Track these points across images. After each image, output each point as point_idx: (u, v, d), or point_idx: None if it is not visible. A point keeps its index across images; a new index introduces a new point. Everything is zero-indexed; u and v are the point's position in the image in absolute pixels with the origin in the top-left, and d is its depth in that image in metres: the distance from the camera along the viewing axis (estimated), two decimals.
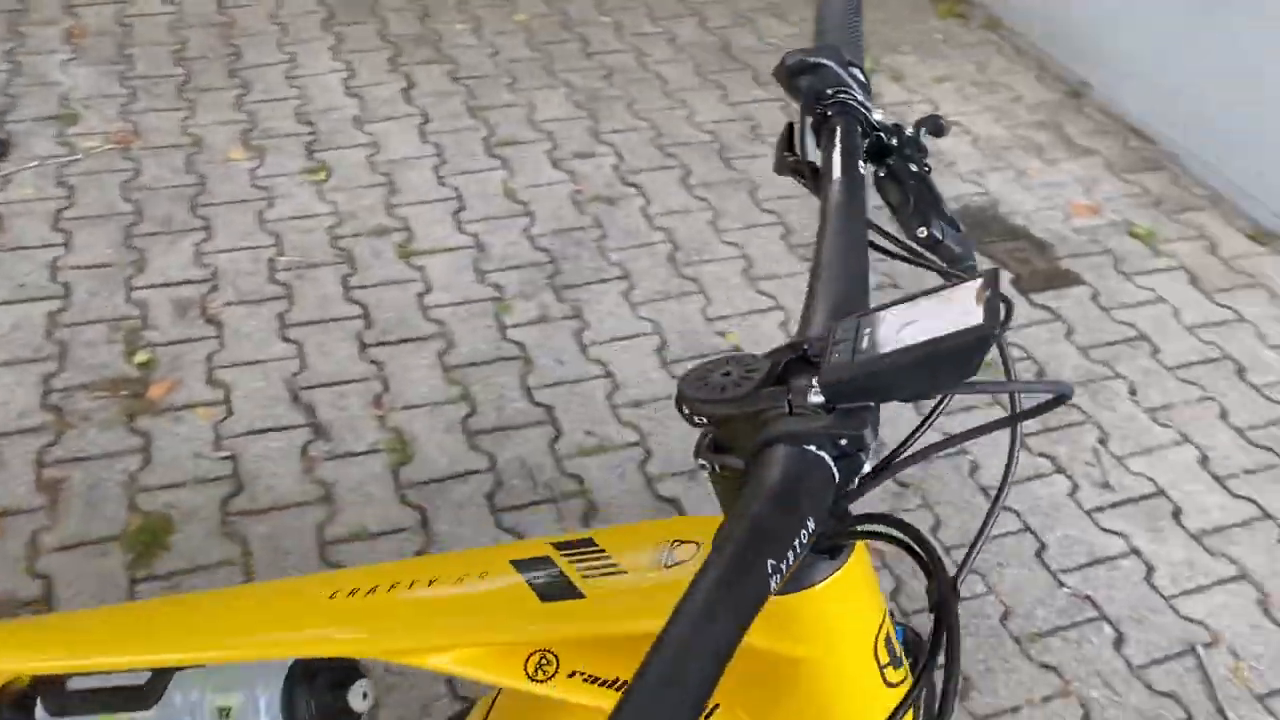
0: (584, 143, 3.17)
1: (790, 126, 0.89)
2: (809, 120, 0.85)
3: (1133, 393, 2.49)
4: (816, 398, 0.55)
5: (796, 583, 0.64)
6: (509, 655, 0.67)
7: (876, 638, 0.66)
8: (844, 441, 0.54)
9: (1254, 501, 2.23)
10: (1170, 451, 2.33)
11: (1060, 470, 2.27)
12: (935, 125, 0.84)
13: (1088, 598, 2.01)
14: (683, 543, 0.71)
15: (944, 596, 0.50)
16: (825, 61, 0.86)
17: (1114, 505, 2.20)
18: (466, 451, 2.20)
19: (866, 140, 0.83)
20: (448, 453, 2.19)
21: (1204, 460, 2.32)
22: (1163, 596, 2.03)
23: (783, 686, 0.68)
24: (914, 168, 0.82)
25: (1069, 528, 2.14)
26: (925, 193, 0.80)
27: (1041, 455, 2.30)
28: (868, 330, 0.56)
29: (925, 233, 0.78)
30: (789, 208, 2.98)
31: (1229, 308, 2.78)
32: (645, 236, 2.84)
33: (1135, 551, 2.11)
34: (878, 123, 0.84)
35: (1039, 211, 3.08)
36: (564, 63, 3.56)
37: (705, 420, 0.59)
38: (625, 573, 0.71)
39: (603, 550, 0.73)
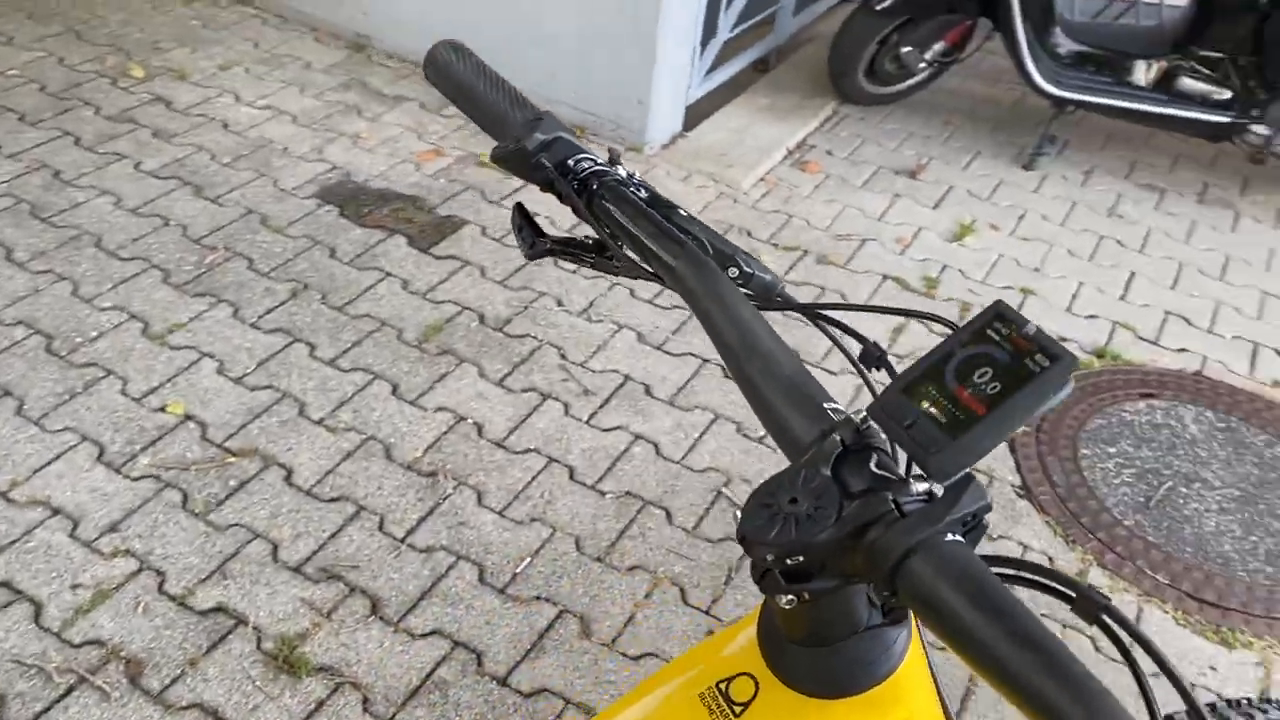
0: None
1: (520, 207, 0.82)
2: (568, 195, 0.80)
3: (560, 303, 2.69)
4: (922, 486, 0.54)
5: (888, 665, 0.62)
6: None
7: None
8: (971, 516, 0.53)
9: (694, 354, 2.58)
10: (616, 340, 2.59)
11: (547, 396, 2.40)
12: (615, 157, 0.83)
13: (627, 493, 2.20)
14: (727, 682, 0.64)
15: (1107, 606, 0.51)
16: (561, 133, 0.80)
17: (603, 405, 2.40)
18: None
19: None
20: None
21: (640, 338, 2.62)
22: (675, 462, 2.28)
23: None
24: (684, 211, 0.79)
25: (583, 442, 2.30)
26: (711, 233, 0.77)
27: (526, 391, 2.41)
28: (927, 405, 0.55)
29: (736, 272, 0.76)
30: (150, 248, 2.66)
31: None
32: (2, 338, 2.34)
33: (638, 437, 2.33)
34: (622, 178, 0.80)
35: (393, 169, 3.11)
36: None
37: (794, 558, 0.54)
38: None
39: None
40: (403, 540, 2.04)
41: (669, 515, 2.16)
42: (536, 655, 1.87)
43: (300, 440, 2.21)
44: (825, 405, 0.62)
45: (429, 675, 1.82)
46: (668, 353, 2.58)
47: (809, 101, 3.80)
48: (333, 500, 2.10)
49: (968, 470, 0.54)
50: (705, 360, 2.56)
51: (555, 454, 2.27)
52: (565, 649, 1.89)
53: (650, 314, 2.69)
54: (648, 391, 2.45)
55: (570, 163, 0.82)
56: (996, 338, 0.56)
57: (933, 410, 0.55)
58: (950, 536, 0.53)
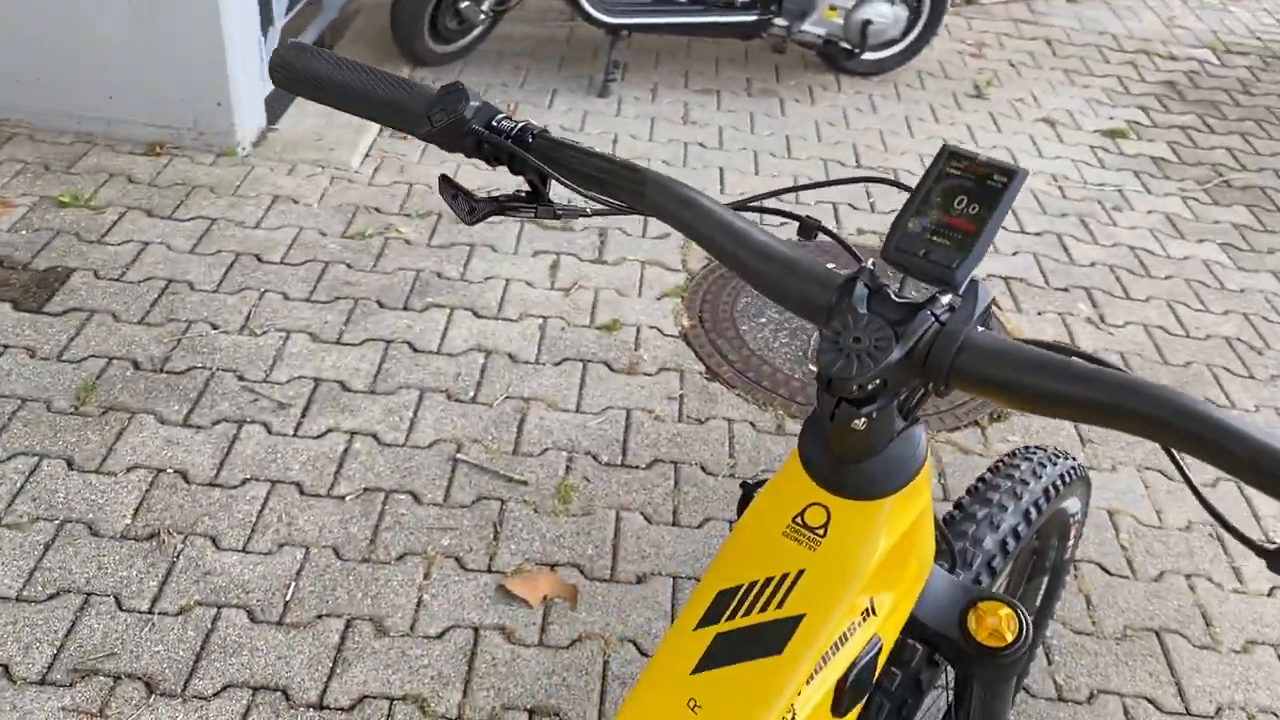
0: None
1: (446, 179, 0.83)
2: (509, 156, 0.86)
3: (215, 326, 2.53)
4: (946, 298, 0.65)
5: (919, 458, 0.73)
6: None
7: None
8: (984, 311, 0.66)
9: (375, 339, 2.56)
10: (289, 346, 2.50)
11: (242, 422, 2.28)
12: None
13: (365, 489, 2.17)
14: (800, 515, 0.71)
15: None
16: (481, 100, 0.82)
17: (304, 414, 2.32)
18: None
19: None
20: None
21: (313, 337, 2.54)
22: (400, 446, 2.28)
23: (912, 546, 0.77)
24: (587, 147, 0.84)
25: (299, 456, 2.22)
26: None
27: (217, 423, 2.27)
28: (930, 236, 0.66)
29: None
30: None
31: (204, 217, 2.91)
32: None
33: (353, 433, 2.29)
34: (543, 129, 0.87)
35: None
36: None
37: (873, 383, 0.65)
38: (803, 571, 0.69)
39: (756, 580, 0.69)
40: (151, 611, 1.89)
41: (415, 497, 2.16)
42: (342, 670, 1.83)
43: None
44: (828, 267, 0.73)
45: None
46: (348, 344, 2.53)
47: None
48: (51, 597, 1.88)
49: (972, 277, 0.68)
50: (389, 342, 2.55)
51: (275, 475, 2.18)
52: (368, 653, 1.86)
53: (313, 312, 2.62)
54: (344, 387, 2.41)
55: (495, 124, 0.85)
56: (958, 172, 0.69)
57: (937, 239, 0.68)
58: (979, 329, 0.67)
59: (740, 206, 0.85)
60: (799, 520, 0.72)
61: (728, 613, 0.70)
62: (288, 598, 1.94)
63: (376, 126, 3.46)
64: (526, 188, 0.87)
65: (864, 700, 0.74)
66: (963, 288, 0.69)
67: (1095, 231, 3.38)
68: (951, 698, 0.95)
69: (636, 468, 2.29)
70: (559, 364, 2.55)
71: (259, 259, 2.79)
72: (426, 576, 2.01)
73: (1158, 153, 3.94)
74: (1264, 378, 2.79)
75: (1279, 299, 3.13)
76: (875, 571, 0.71)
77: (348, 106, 0.90)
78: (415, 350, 2.54)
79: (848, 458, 0.72)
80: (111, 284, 2.63)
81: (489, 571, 2.03)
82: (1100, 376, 0.63)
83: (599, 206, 0.85)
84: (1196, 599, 2.13)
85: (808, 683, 0.67)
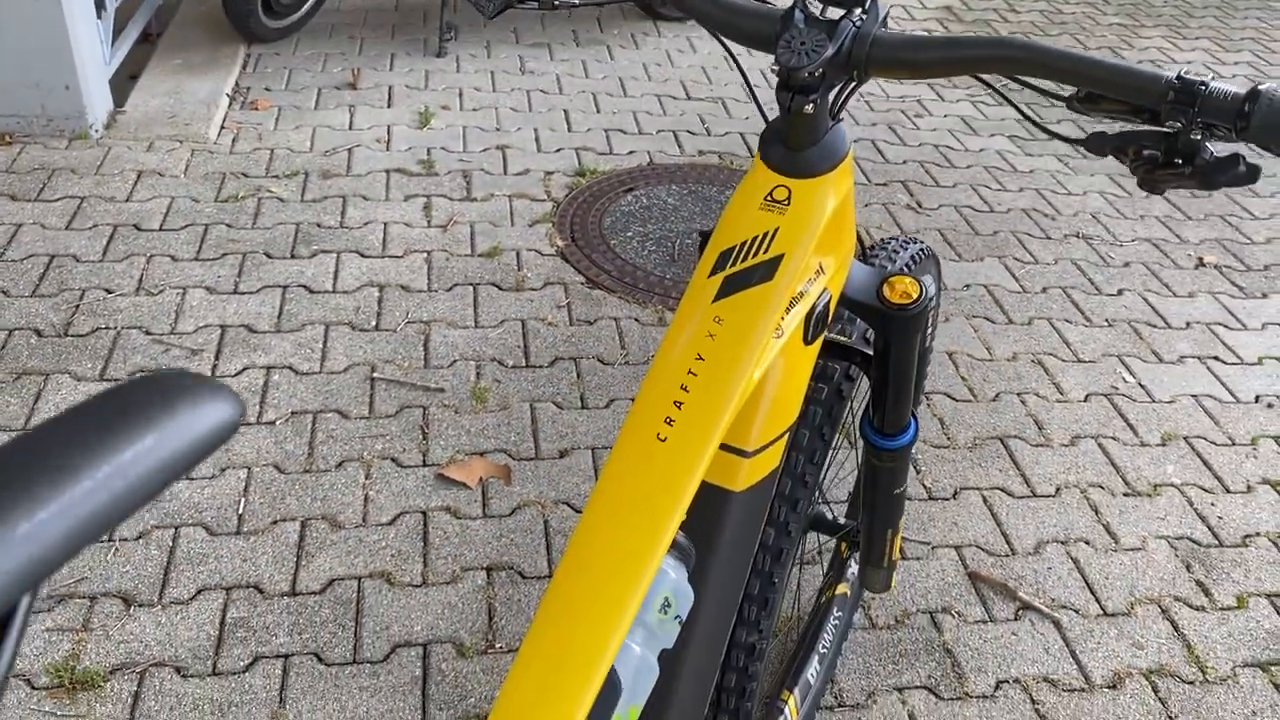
0: None
1: None
2: None
3: (109, 290, 2.61)
4: (857, 11, 0.91)
5: (847, 145, 0.98)
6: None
7: None
8: (884, 14, 0.92)
9: (272, 285, 2.68)
10: (188, 300, 2.59)
11: (163, 369, 2.38)
12: None
13: (292, 413, 2.31)
14: (769, 194, 0.95)
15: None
16: None
17: (218, 357, 2.44)
18: None
19: None
20: None
21: (210, 290, 2.65)
22: (317, 374, 2.43)
23: (845, 219, 1.02)
24: None
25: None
26: None
27: (134, 374, 2.36)
28: None
29: None
30: None
31: (72, 197, 2.94)
32: None
33: (270, 368, 2.43)
34: None
35: None
36: None
37: (814, 74, 0.89)
38: (778, 228, 0.93)
39: (745, 239, 0.93)
40: (110, 540, 2.00)
41: (342, 414, 2.32)
42: (307, 562, 1.99)
43: None
44: (767, 5, 0.98)
45: (222, 622, 1.87)
46: (246, 293, 2.65)
47: (220, 51, 3.84)
48: None
49: None
50: (285, 287, 2.68)
51: None
52: (328, 545, 2.03)
53: (204, 269, 2.72)
54: (251, 330, 2.53)
55: None
56: None
57: None
58: (883, 30, 0.94)
59: None
60: (769, 198, 0.97)
61: (730, 261, 0.95)
62: (240, 511, 2.08)
63: (224, 100, 3.53)
64: None
65: (821, 335, 1.01)
66: (868, 3, 0.95)
67: (903, 135, 3.78)
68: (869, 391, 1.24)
69: (540, 367, 2.52)
70: (450, 289, 2.74)
71: (138, 228, 2.86)
72: (368, 477, 2.18)
73: None
74: (1058, 237, 3.24)
75: (1062, 175, 3.61)
76: (824, 233, 0.97)
77: None
78: (312, 292, 2.68)
79: (799, 146, 0.98)
80: None
81: (425, 465, 2.22)
82: (966, 39, 0.91)
83: None
84: (1028, 410, 2.52)
85: (789, 310, 0.93)
